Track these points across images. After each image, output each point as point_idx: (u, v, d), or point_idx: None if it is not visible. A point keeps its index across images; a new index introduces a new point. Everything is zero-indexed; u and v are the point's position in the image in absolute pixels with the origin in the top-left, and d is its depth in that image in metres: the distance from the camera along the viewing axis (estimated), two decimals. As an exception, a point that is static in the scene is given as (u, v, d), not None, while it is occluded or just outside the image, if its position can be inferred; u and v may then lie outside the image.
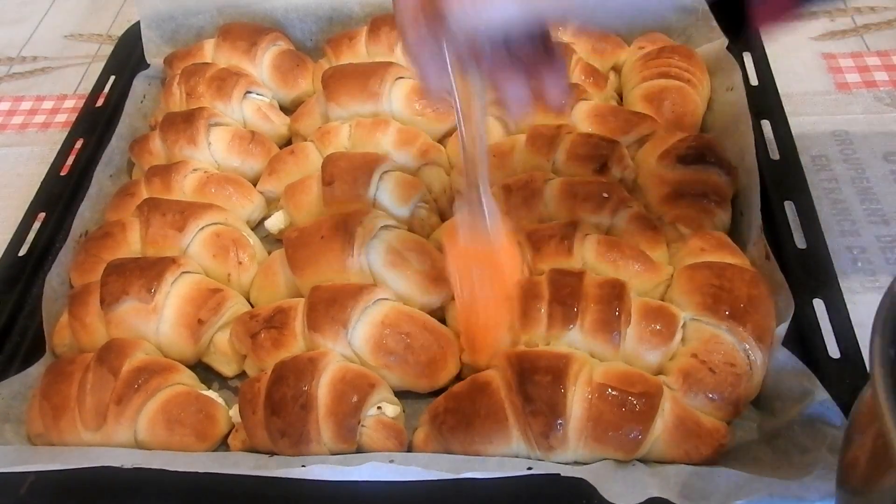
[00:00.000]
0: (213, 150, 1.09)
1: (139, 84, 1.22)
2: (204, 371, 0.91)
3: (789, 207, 0.92)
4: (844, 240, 0.99)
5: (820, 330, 0.80)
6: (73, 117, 1.21)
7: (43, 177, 1.11)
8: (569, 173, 0.96)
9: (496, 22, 0.59)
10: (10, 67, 1.46)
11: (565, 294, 0.80)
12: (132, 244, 0.97)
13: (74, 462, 0.75)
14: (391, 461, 0.72)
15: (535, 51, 0.65)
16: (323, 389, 0.78)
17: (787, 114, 1.03)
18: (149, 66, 1.26)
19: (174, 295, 0.89)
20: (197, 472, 0.73)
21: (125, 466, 0.74)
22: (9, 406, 0.86)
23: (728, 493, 0.68)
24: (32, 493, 0.74)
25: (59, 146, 1.15)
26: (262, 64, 1.21)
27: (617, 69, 1.17)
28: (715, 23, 1.16)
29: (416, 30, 0.63)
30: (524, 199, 0.92)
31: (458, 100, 0.67)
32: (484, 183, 0.73)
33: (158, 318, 0.88)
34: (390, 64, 1.12)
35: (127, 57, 1.29)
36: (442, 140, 1.09)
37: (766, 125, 1.01)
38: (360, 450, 0.79)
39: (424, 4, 0.62)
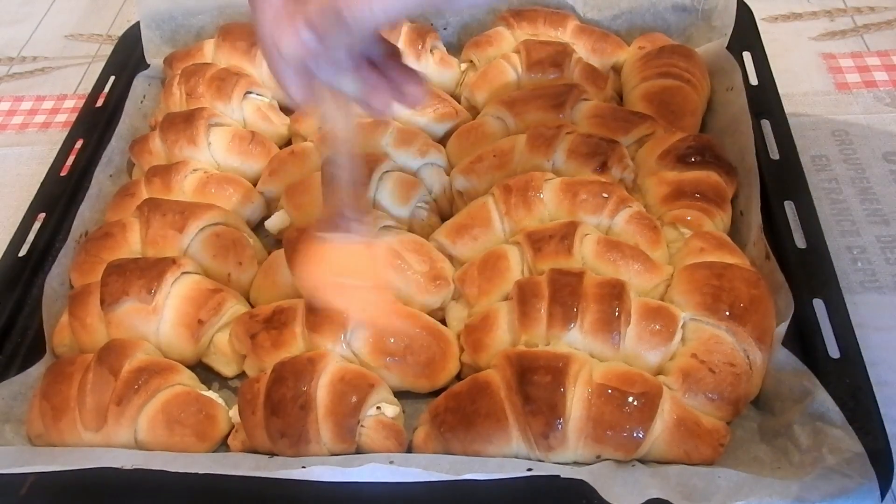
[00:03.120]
0: (213, 150, 1.09)
1: (139, 84, 1.22)
2: (204, 371, 0.91)
3: (789, 207, 0.92)
4: (844, 240, 0.99)
5: (820, 330, 0.80)
6: (73, 117, 1.21)
7: (43, 177, 1.11)
8: (569, 173, 0.96)
9: (392, 13, 0.59)
10: (10, 67, 1.47)
11: (565, 294, 0.80)
12: (132, 244, 0.97)
13: (74, 463, 0.75)
14: (391, 462, 0.72)
15: (389, 60, 0.69)
16: (322, 390, 0.78)
17: (787, 114, 1.03)
18: (149, 66, 1.26)
19: (174, 295, 0.89)
20: (197, 473, 0.73)
21: (125, 467, 0.74)
22: (9, 406, 0.86)
23: (728, 494, 0.68)
24: (32, 493, 0.74)
25: (59, 146, 1.15)
26: (262, 64, 1.21)
27: (617, 69, 1.17)
28: (715, 23, 1.16)
29: (282, 43, 0.62)
30: (524, 198, 0.92)
31: (327, 108, 0.70)
32: (353, 181, 0.75)
33: (158, 319, 0.88)
34: (390, 64, 1.12)
35: (127, 57, 1.29)
36: (442, 140, 1.09)
37: (766, 125, 1.01)
38: (359, 450, 0.79)
39: (295, 9, 0.61)
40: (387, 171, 0.99)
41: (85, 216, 1.03)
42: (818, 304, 0.82)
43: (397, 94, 0.69)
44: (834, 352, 0.78)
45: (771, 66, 1.09)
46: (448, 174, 1.04)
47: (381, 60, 0.69)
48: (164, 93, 1.19)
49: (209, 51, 1.24)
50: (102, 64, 1.29)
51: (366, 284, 0.76)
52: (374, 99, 0.69)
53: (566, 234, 0.86)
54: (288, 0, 0.61)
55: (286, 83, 0.66)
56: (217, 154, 1.09)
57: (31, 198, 1.08)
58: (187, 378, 0.86)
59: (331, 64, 0.64)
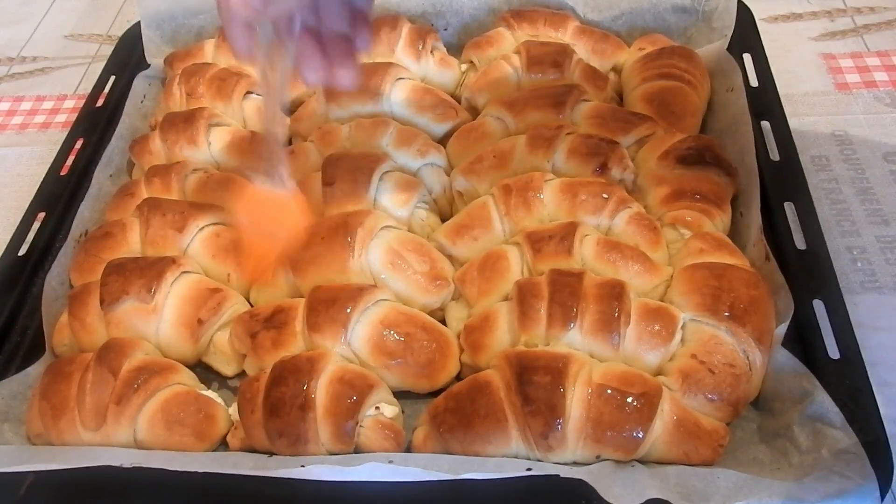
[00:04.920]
0: (213, 150, 1.09)
1: (139, 84, 1.23)
2: (204, 371, 0.91)
3: (789, 208, 0.92)
4: (844, 240, 0.99)
5: (819, 330, 0.80)
6: (73, 117, 1.21)
7: (43, 177, 1.11)
8: (569, 174, 0.96)
9: None
10: (10, 67, 1.47)
11: (565, 294, 0.80)
12: (132, 244, 0.97)
13: (74, 462, 0.75)
14: (390, 462, 0.72)
15: (337, 40, 0.75)
16: (321, 390, 0.78)
17: (787, 114, 1.03)
18: (149, 66, 1.26)
19: (174, 295, 0.89)
20: (196, 472, 0.73)
21: (124, 466, 0.74)
22: (8, 406, 0.86)
23: (728, 494, 0.68)
24: (32, 492, 0.74)
25: (59, 146, 1.16)
26: (262, 64, 1.21)
27: (617, 70, 1.17)
28: (715, 24, 1.16)
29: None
30: (524, 199, 0.92)
31: (263, 66, 0.77)
32: (278, 136, 0.85)
33: (158, 318, 0.88)
34: (390, 64, 1.12)
35: (127, 57, 1.29)
36: (442, 140, 1.09)
37: (766, 126, 1.02)
38: (357, 450, 0.79)
39: None
40: (387, 172, 0.99)
41: (85, 216, 1.03)
42: (818, 305, 0.82)
43: (329, 71, 0.75)
44: (834, 352, 0.78)
45: (771, 66, 1.09)
46: (448, 174, 1.04)
47: (330, 37, 0.74)
48: (165, 93, 1.19)
49: (209, 51, 1.24)
50: (102, 64, 1.29)
51: (282, 228, 0.87)
52: (305, 69, 0.75)
53: (566, 234, 0.86)
54: None
55: (230, 37, 0.73)
56: (217, 154, 1.09)
57: (31, 198, 1.08)
58: (187, 377, 0.86)
59: (272, 26, 0.71)
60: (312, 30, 0.74)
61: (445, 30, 1.28)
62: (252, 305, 0.94)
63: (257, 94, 1.17)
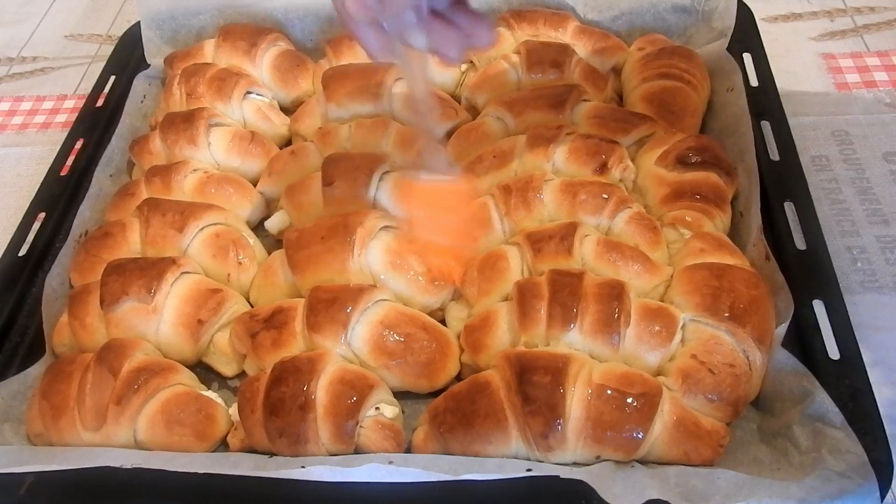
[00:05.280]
0: (213, 150, 1.09)
1: (139, 84, 1.23)
2: (204, 371, 0.91)
3: (789, 208, 0.92)
4: (844, 240, 0.99)
5: (819, 331, 0.80)
6: (73, 117, 1.21)
7: (43, 177, 1.11)
8: (569, 174, 0.96)
9: None
10: (10, 67, 1.47)
11: (565, 294, 0.80)
12: (132, 244, 0.97)
13: (74, 462, 0.75)
14: (390, 462, 0.72)
15: (456, 7, 0.74)
16: (322, 390, 0.78)
17: (787, 114, 1.03)
18: (149, 66, 1.26)
19: (174, 295, 0.89)
20: (196, 473, 0.73)
21: (124, 466, 0.74)
22: (8, 406, 0.86)
23: (728, 495, 0.68)
24: (32, 493, 0.74)
25: (59, 146, 1.16)
26: (263, 64, 1.21)
27: (617, 70, 1.17)
28: (715, 24, 1.16)
29: (347, 4, 0.69)
30: (524, 199, 0.92)
31: (405, 62, 0.78)
32: (433, 127, 0.86)
33: (158, 319, 0.88)
34: (390, 64, 1.12)
35: (127, 57, 1.29)
36: (442, 140, 1.09)
37: (766, 126, 1.01)
38: (358, 450, 0.79)
39: None
40: (387, 172, 0.99)
41: (85, 216, 1.03)
42: (818, 305, 0.82)
43: (466, 39, 0.74)
44: (834, 353, 0.78)
45: (771, 66, 1.09)
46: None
47: (448, 9, 0.73)
48: (165, 93, 1.19)
49: (209, 51, 1.24)
50: (102, 64, 1.29)
51: (454, 217, 0.87)
52: (445, 48, 0.74)
53: (566, 234, 0.86)
54: None
55: (360, 40, 0.72)
56: (217, 154, 1.09)
57: (31, 198, 1.08)
58: (187, 378, 0.86)
59: (397, 20, 0.70)
60: (432, 11, 0.73)
61: (445, 30, 1.27)
62: (252, 305, 0.94)
63: (257, 94, 1.17)
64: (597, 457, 0.74)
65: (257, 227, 1.05)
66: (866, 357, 0.77)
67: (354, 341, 0.84)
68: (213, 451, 0.83)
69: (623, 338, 0.79)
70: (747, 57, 1.11)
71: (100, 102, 1.22)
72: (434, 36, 0.73)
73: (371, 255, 0.89)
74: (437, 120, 0.86)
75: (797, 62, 1.24)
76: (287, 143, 1.16)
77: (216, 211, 0.98)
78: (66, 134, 1.17)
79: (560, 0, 1.23)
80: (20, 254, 1.00)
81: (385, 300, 0.87)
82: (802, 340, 0.80)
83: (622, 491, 0.69)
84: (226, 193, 1.03)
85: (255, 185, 1.07)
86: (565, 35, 1.19)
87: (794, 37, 1.29)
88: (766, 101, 1.04)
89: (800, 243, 0.88)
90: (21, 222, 1.04)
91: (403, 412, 0.83)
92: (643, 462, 0.75)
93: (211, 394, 0.86)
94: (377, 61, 0.82)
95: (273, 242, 1.03)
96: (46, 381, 0.84)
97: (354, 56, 1.19)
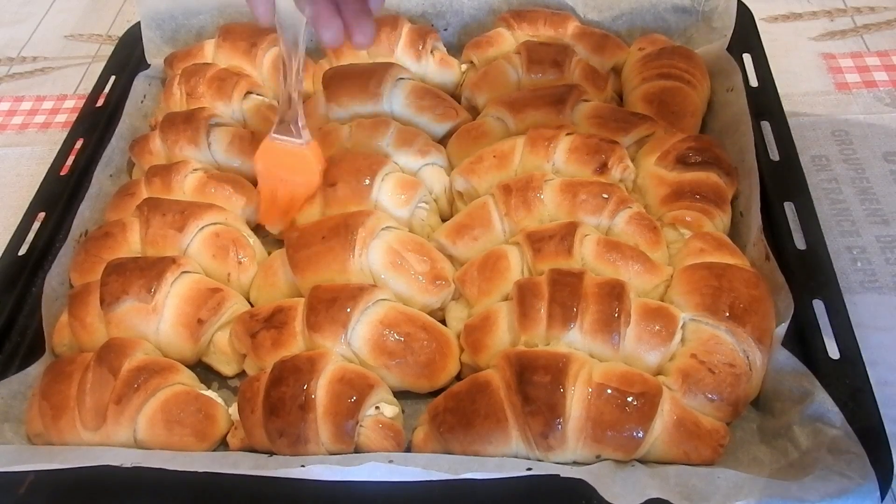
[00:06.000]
0: (213, 150, 1.09)
1: (139, 84, 1.23)
2: (204, 371, 0.91)
3: (789, 208, 0.92)
4: (844, 240, 0.99)
5: (819, 330, 0.80)
6: (73, 117, 1.21)
7: (43, 177, 1.11)
8: (569, 174, 0.96)
9: None
10: (10, 67, 1.47)
11: (565, 294, 0.80)
12: (132, 244, 0.97)
13: (74, 461, 0.75)
14: (390, 461, 0.72)
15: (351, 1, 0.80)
16: (321, 390, 0.78)
17: (786, 114, 1.03)
18: (149, 66, 1.26)
19: (174, 295, 0.89)
20: (196, 472, 0.73)
21: (124, 466, 0.74)
22: (8, 406, 0.86)
23: (728, 494, 0.68)
24: (32, 492, 0.74)
25: (59, 146, 1.16)
26: (263, 64, 1.21)
27: (617, 70, 1.17)
28: (715, 24, 1.16)
29: None
30: (524, 199, 0.92)
31: (281, 21, 0.86)
32: (297, 92, 0.93)
33: (158, 318, 0.88)
34: (390, 64, 1.12)
35: (127, 57, 1.29)
36: (442, 140, 1.09)
37: (766, 126, 1.01)
38: (358, 450, 0.79)
39: None
40: (388, 173, 0.99)
41: (85, 216, 1.03)
42: (818, 305, 0.82)
43: (345, 30, 0.81)
44: (834, 352, 0.78)
45: (771, 66, 1.09)
46: (448, 174, 1.04)
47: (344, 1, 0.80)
48: (165, 93, 1.19)
49: (209, 51, 1.24)
50: (102, 64, 1.29)
51: (297, 179, 0.97)
52: (323, 29, 0.81)
53: (566, 234, 0.86)
54: None
55: (251, 4, 0.80)
56: (217, 154, 1.09)
57: (31, 198, 1.08)
58: (187, 377, 0.86)
59: None
60: None
61: (445, 30, 1.28)
62: (252, 305, 0.94)
63: (257, 94, 1.17)
64: (597, 456, 0.74)
65: (257, 227, 1.05)
66: (866, 357, 0.77)
67: (354, 341, 0.84)
68: (213, 451, 0.83)
69: (623, 337, 0.79)
70: (747, 57, 1.11)
71: (100, 102, 1.22)
72: (317, 14, 0.80)
73: (372, 255, 0.89)
74: (300, 88, 0.94)
75: (797, 62, 1.24)
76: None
77: (216, 211, 0.98)
78: (66, 134, 1.17)
79: (560, 0, 1.24)
80: (20, 253, 1.00)
81: (385, 300, 0.87)
82: (802, 340, 0.80)
83: (622, 490, 0.69)
84: (226, 193, 1.03)
85: (254, 185, 1.07)
86: (565, 35, 1.19)
87: (794, 37, 1.30)
88: (765, 101, 1.04)
89: (800, 243, 0.88)
90: (21, 222, 1.04)
91: (403, 412, 0.83)
92: (643, 461, 0.75)
93: (211, 393, 0.86)
94: (262, 24, 0.87)
95: (273, 242, 1.03)
96: (46, 381, 0.84)
97: (354, 56, 1.19)
